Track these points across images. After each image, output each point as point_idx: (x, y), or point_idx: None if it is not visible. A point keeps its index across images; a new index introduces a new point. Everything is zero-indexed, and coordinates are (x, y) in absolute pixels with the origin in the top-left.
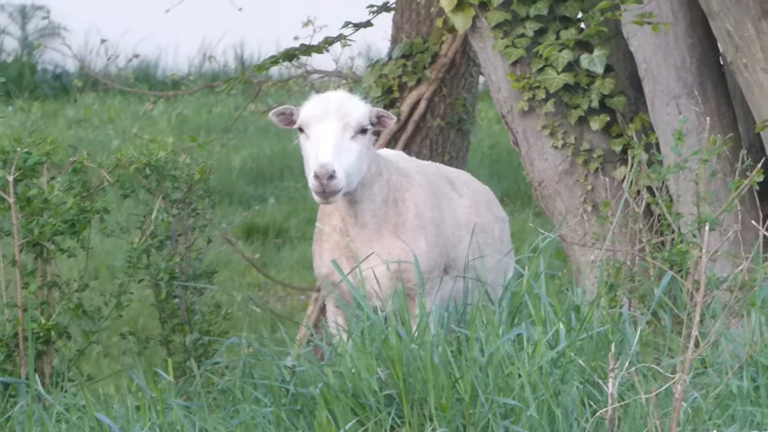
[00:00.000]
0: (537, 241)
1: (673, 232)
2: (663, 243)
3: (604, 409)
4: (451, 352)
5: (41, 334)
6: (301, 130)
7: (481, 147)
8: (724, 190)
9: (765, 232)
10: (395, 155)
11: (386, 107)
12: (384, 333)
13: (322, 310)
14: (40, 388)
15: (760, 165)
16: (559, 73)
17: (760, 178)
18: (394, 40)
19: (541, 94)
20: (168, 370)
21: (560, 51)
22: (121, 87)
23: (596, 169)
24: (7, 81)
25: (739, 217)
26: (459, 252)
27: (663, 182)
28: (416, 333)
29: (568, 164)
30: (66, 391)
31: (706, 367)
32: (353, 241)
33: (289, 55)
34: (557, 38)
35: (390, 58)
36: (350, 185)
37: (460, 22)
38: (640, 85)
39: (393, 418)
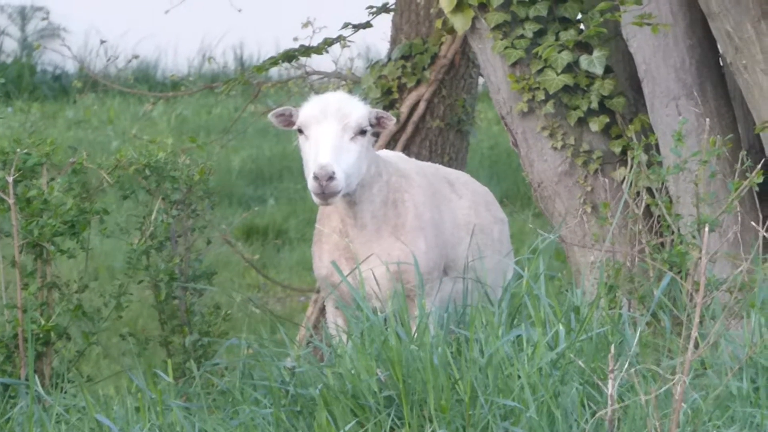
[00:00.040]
0: (536, 242)
1: (673, 233)
2: (662, 244)
3: (604, 411)
4: (451, 353)
5: (41, 335)
6: (300, 131)
7: (481, 148)
8: (723, 192)
9: (765, 234)
10: (394, 156)
11: (385, 108)
12: (383, 334)
13: (322, 311)
14: (40, 389)
15: (759, 166)
16: (558, 75)
17: (760, 180)
18: (394, 41)
19: (541, 95)
20: (168, 371)
21: (560, 52)
22: (121, 88)
23: (596, 171)
24: (7, 82)
25: (739, 218)
26: (458, 253)
27: (662, 183)
28: (416, 334)
29: (567, 165)
30: (66, 392)
31: (705, 369)
32: (353, 242)
33: (289, 56)
34: (557, 39)
35: (389, 59)
36: (350, 186)
37: (460, 23)
38: (639, 86)
39: (393, 419)
